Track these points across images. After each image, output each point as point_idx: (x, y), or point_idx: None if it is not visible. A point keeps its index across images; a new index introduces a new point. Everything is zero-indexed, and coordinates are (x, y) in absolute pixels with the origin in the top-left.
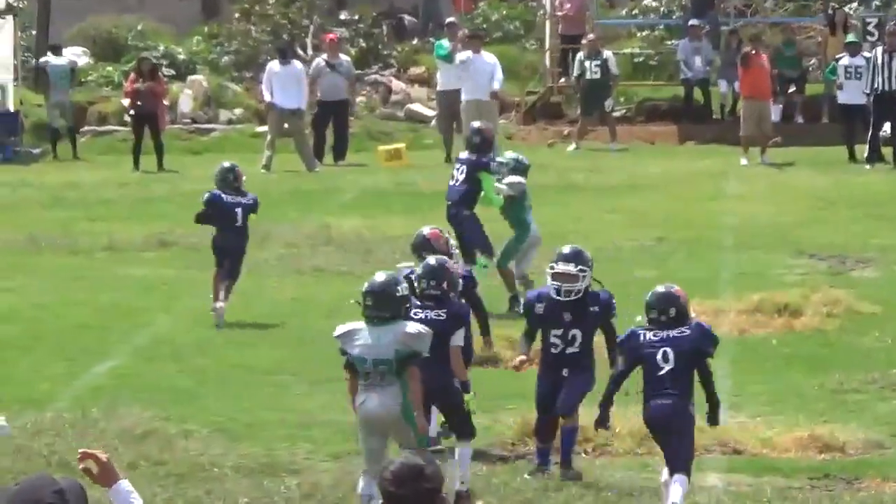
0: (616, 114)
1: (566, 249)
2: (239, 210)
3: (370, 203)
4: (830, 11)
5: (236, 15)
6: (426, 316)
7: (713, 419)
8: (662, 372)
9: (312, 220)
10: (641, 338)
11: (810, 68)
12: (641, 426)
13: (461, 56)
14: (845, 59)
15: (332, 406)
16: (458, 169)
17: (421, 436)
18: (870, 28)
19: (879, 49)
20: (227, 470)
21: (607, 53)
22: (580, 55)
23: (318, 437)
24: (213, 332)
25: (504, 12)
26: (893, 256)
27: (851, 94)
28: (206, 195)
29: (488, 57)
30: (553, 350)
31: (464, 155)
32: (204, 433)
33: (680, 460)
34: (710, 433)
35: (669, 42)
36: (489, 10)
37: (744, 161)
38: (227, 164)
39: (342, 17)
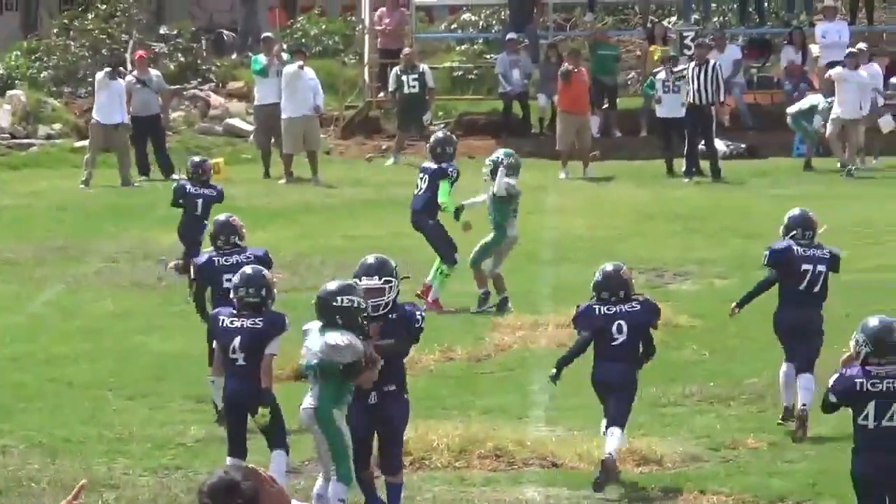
0: (434, 128)
1: (370, 260)
2: (199, 200)
3: None
4: (650, 25)
5: (55, 30)
6: (242, 324)
7: (640, 364)
8: (616, 342)
9: (131, 235)
10: (597, 311)
11: (629, 82)
12: (459, 440)
13: (289, 69)
14: (662, 74)
15: (150, 421)
16: (420, 178)
17: (334, 445)
18: (686, 41)
19: (692, 63)
20: (45, 485)
21: (424, 67)
22: (396, 69)
23: (136, 452)
24: (31, 346)
25: (323, 27)
26: (711, 270)
27: (669, 107)
28: (175, 184)
29: (310, 72)
30: None
31: (426, 164)
32: (21, 448)
33: (620, 416)
34: (528, 447)
35: (488, 56)
36: (308, 25)
37: (563, 175)
38: (196, 158)
39: (161, 31)
